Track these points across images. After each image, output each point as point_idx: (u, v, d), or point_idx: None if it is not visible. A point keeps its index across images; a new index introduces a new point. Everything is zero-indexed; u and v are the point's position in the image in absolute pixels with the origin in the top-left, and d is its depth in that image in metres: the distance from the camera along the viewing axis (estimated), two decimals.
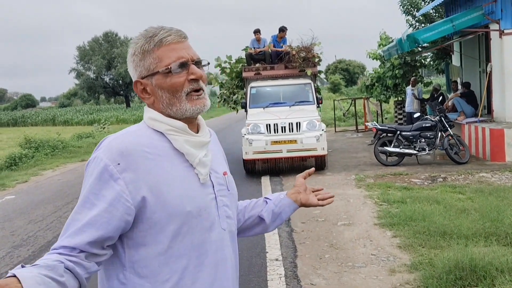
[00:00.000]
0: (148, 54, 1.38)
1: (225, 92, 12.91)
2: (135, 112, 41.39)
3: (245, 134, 9.83)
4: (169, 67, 1.36)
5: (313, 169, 1.81)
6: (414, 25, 16.48)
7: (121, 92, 58.50)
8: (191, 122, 1.43)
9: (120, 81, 56.16)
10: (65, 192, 9.71)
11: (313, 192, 1.75)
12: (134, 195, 1.29)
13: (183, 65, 1.37)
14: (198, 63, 1.42)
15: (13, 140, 21.85)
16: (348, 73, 58.51)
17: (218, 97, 13.76)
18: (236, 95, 12.52)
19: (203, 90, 1.42)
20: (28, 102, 76.59)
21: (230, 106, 13.08)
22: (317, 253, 5.14)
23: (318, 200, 1.72)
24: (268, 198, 1.72)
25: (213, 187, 1.44)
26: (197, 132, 1.46)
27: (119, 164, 1.29)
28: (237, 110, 12.86)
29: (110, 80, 57.76)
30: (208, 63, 1.48)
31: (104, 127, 23.98)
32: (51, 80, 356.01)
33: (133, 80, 1.44)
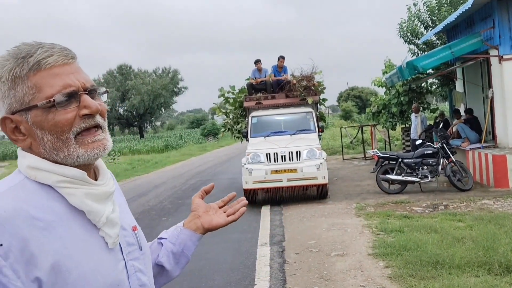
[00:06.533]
0: (20, 81, 1.02)
1: (229, 121, 13.04)
2: (147, 142, 41.79)
3: (245, 164, 9.84)
4: (51, 99, 1.01)
5: (212, 184, 1.47)
6: (416, 53, 16.53)
7: (135, 123, 59.32)
8: (88, 168, 1.08)
9: (134, 112, 57.03)
10: None
11: (220, 207, 1.46)
12: (28, 282, 0.94)
13: (72, 96, 1.03)
14: (92, 91, 1.07)
15: None
16: (360, 100, 58.54)
17: (222, 126, 13.90)
18: (239, 125, 12.61)
19: (101, 128, 1.08)
20: None
21: (234, 136, 13.20)
22: (306, 285, 5.07)
23: (228, 216, 1.44)
24: (162, 238, 1.39)
25: (121, 250, 1.11)
26: (96, 179, 1.11)
27: (1, 245, 0.92)
28: (242, 140, 12.97)
29: (124, 112, 58.66)
30: (107, 91, 1.13)
31: (114, 158, 23.97)
32: None
33: None
